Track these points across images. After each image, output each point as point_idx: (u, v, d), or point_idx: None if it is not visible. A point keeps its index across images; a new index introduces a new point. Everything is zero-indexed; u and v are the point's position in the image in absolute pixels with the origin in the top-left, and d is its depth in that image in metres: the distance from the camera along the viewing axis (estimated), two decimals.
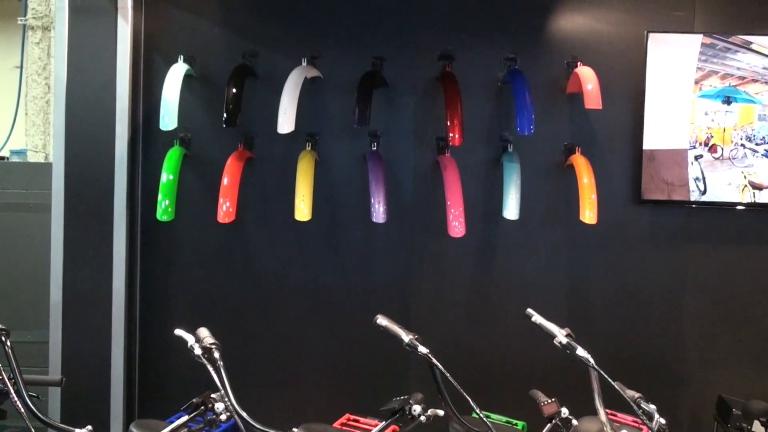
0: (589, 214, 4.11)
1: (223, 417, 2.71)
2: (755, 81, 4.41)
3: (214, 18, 4.51)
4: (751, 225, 4.52)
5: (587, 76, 4.13)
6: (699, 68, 4.40)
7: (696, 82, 4.41)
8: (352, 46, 4.48)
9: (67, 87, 4.32)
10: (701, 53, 4.39)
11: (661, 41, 4.39)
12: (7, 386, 2.90)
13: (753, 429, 4.04)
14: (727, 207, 4.47)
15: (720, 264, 4.53)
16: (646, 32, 4.39)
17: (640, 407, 2.89)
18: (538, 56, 4.46)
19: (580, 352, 2.92)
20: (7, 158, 5.62)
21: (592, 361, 2.90)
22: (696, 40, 4.40)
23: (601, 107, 4.06)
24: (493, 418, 3.45)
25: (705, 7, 4.48)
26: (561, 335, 3.00)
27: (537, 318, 3.15)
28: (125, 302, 4.38)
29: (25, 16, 6.04)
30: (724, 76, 4.41)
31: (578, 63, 4.30)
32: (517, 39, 4.47)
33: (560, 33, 4.50)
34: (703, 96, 4.41)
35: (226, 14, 4.52)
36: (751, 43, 4.40)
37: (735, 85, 4.41)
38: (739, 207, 4.46)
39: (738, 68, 4.40)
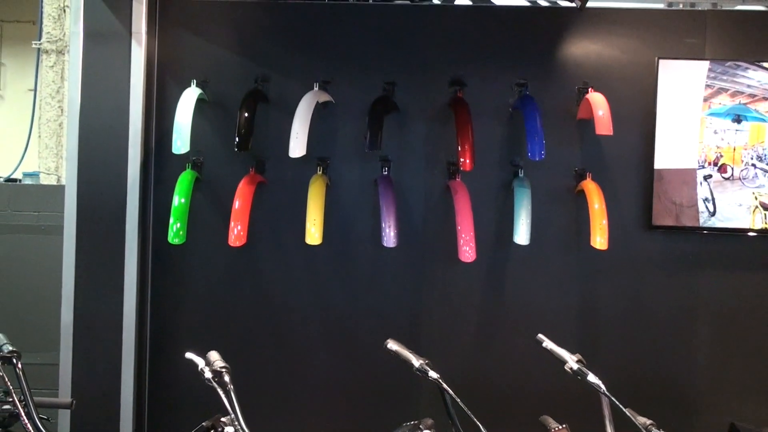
0: (600, 240, 4.11)
1: None
2: (766, 99, 4.39)
3: (226, 43, 4.54)
4: (764, 250, 4.49)
5: (598, 102, 4.14)
6: (708, 85, 4.38)
7: (705, 100, 4.39)
8: (363, 72, 4.51)
9: (80, 110, 4.36)
10: (710, 70, 4.37)
11: (672, 63, 4.40)
12: (17, 408, 2.92)
13: None
14: (738, 233, 4.44)
15: (732, 290, 4.50)
16: (657, 59, 4.39)
17: None
18: (548, 82, 4.47)
19: (591, 378, 2.91)
20: (20, 180, 5.67)
21: (603, 387, 2.89)
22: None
23: (611, 133, 4.07)
24: None
25: (716, 33, 4.50)
26: (572, 361, 3.00)
27: (548, 343, 3.15)
28: (136, 325, 4.38)
29: (39, 39, 6.11)
30: (734, 94, 4.39)
31: (589, 89, 4.32)
32: (527, 65, 4.49)
33: (571, 59, 4.52)
34: (712, 114, 4.39)
35: (238, 39, 4.56)
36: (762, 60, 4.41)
37: (745, 103, 4.39)
38: (750, 233, 4.43)
39: (748, 86, 4.39)
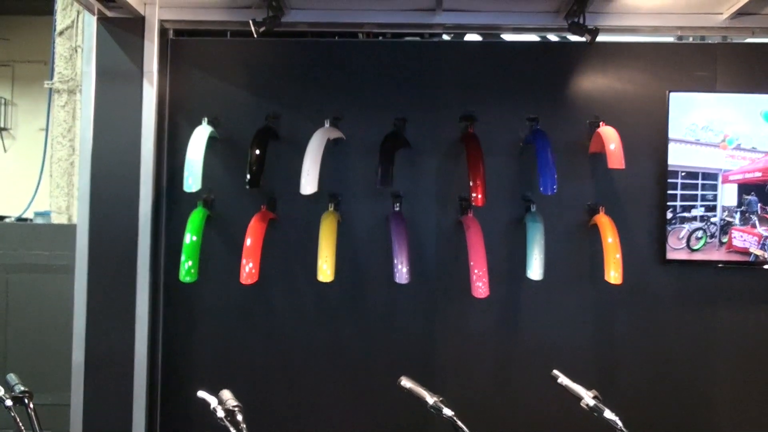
0: (614, 274, 4.11)
1: None
2: None
3: (237, 81, 4.60)
4: None
5: (610, 136, 4.17)
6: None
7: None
8: (374, 108, 4.55)
9: (92, 149, 4.40)
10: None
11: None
12: None
13: None
14: (755, 266, 4.44)
15: (749, 324, 4.49)
16: (667, 92, 4.42)
17: None
18: (559, 116, 4.50)
19: (608, 414, 2.89)
20: (31, 220, 5.70)
21: (620, 423, 2.86)
22: None
23: (624, 167, 4.09)
24: None
25: (726, 66, 4.52)
26: (588, 397, 2.98)
27: (563, 379, 3.14)
28: (147, 364, 4.37)
29: (51, 79, 6.18)
30: None
31: (600, 123, 4.34)
32: (538, 99, 4.53)
33: (582, 93, 4.55)
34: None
35: (249, 77, 4.61)
36: None
37: None
38: (766, 266, 4.43)
39: None
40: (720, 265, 4.44)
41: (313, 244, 4.18)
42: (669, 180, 4.42)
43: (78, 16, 6.00)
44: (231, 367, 4.52)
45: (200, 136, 4.26)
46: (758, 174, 4.44)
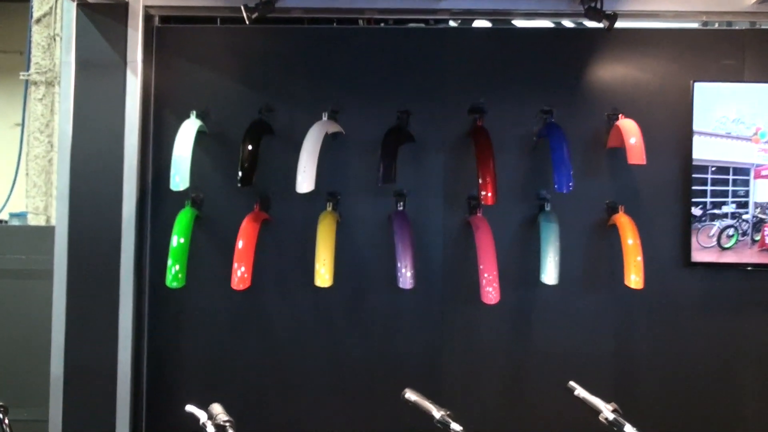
0: (634, 278, 4.11)
1: None
2: None
3: (228, 71, 4.59)
4: None
5: (630, 129, 4.16)
6: None
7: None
8: (376, 100, 4.55)
9: (72, 145, 4.40)
10: None
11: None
12: None
13: None
14: None
15: None
16: (692, 82, 4.42)
17: None
18: (576, 108, 4.50)
19: (629, 429, 2.89)
20: (6, 222, 5.68)
21: None
22: None
23: (645, 162, 4.08)
24: None
25: (755, 53, 4.52)
26: (607, 411, 2.98)
27: (580, 392, 3.14)
28: (131, 377, 4.37)
29: (27, 70, 6.16)
30: None
31: (620, 115, 4.33)
32: (553, 90, 4.52)
33: (599, 83, 4.55)
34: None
35: (241, 67, 4.61)
36: None
37: None
38: None
39: None
40: (750, 268, 4.43)
41: (310, 247, 4.18)
42: (698, 175, 4.42)
43: (56, 2, 5.98)
44: (222, 380, 4.51)
45: (188, 130, 4.25)
46: None
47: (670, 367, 4.49)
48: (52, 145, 6.08)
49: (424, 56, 4.59)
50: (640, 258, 4.11)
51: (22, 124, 6.32)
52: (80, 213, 4.38)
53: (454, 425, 2.90)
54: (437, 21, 5.04)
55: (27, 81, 6.14)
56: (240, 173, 4.14)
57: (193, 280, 4.35)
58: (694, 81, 4.42)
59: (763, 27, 4.78)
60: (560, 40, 4.71)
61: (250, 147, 4.18)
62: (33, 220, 5.83)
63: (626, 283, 4.13)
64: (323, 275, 4.06)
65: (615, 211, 4.38)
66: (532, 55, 4.58)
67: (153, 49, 4.55)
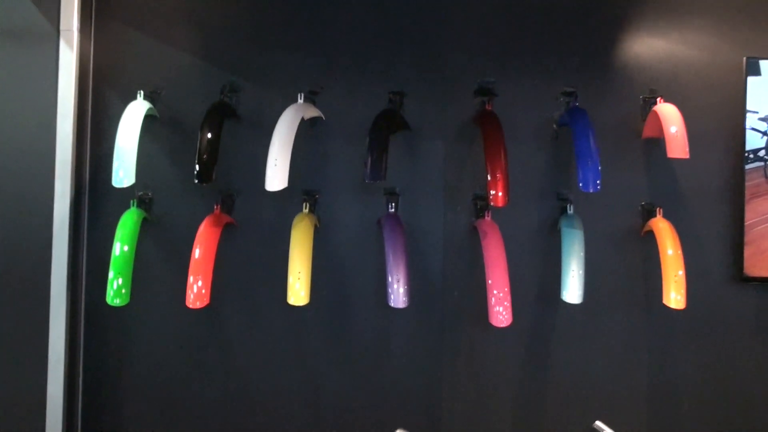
0: (675, 296, 4.03)
1: None
2: None
3: (184, 43, 4.53)
4: None
5: (670, 116, 4.08)
6: None
7: None
8: (363, 79, 4.50)
9: None
10: None
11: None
12: None
13: None
14: None
15: None
16: (745, 59, 4.41)
17: None
18: (605, 90, 4.47)
19: None
20: None
21: None
22: None
23: (687, 156, 3.99)
24: None
25: None
26: None
27: None
28: (63, 410, 4.32)
29: None
30: None
31: (658, 99, 4.29)
32: (577, 68, 4.49)
33: (633, 60, 4.51)
34: None
35: (200, 38, 4.55)
36: None
37: None
38: None
39: None
40: None
41: (283, 256, 4.10)
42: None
43: None
44: (173, 418, 4.47)
45: (134, 115, 4.16)
46: None
47: (719, 399, 4.47)
48: None
49: (423, 27, 4.53)
50: (681, 272, 4.05)
51: None
52: (1, 215, 4.34)
53: None
54: None
55: None
56: (197, 167, 4.03)
57: (140, 297, 4.32)
58: (748, 58, 4.40)
59: None
60: (587, 8, 4.62)
61: (209, 135, 4.08)
62: None
63: (665, 302, 4.05)
64: (298, 291, 3.98)
65: (652, 215, 4.35)
66: (552, 26, 4.53)
67: (92, 16, 4.49)
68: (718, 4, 4.55)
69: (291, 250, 4.06)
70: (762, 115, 4.37)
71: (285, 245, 4.10)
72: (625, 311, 4.45)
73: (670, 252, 4.08)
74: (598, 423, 3.10)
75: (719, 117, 4.45)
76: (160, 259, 4.45)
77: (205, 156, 4.04)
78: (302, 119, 4.16)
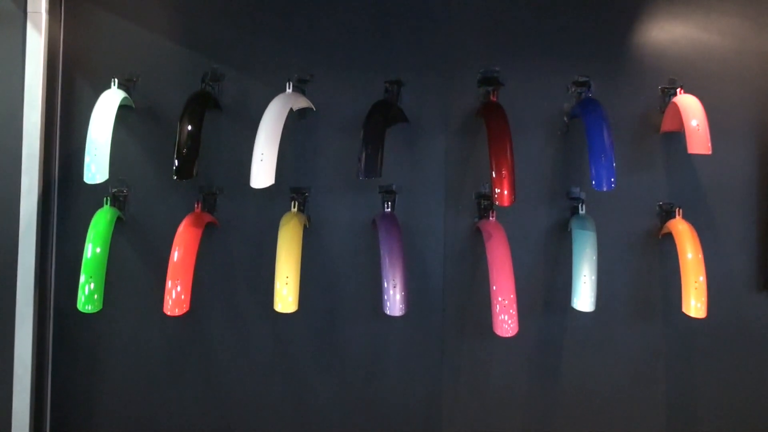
0: (695, 304, 3.96)
1: None
2: None
3: (162, 26, 4.46)
4: None
5: (691, 108, 4.00)
6: None
7: None
8: (356, 66, 4.43)
9: None
10: None
11: None
12: None
13: None
14: None
15: None
16: None
17: None
18: (620, 80, 4.40)
19: None
20: None
21: None
22: None
23: (710, 152, 3.92)
24: None
25: None
26: None
27: None
28: (30, 428, 4.25)
29: None
30: None
31: (678, 89, 4.23)
32: (589, 56, 4.43)
33: (652, 47, 4.44)
34: None
35: (179, 21, 4.48)
36: None
37: None
38: None
39: None
40: None
41: (269, 260, 4.03)
42: None
43: None
44: None
45: (108, 105, 4.08)
46: None
47: (741, 420, 4.42)
48: None
49: (422, 11, 4.46)
50: (702, 278, 3.98)
51: None
52: None
53: None
54: None
55: None
56: (176, 162, 3.95)
57: (113, 303, 4.27)
58: None
59: None
60: None
61: (190, 127, 4.01)
62: None
63: (684, 310, 3.98)
64: (285, 297, 3.91)
65: (671, 216, 4.29)
66: (563, 7, 4.46)
67: None
68: None
69: (278, 253, 3.99)
70: None
71: (272, 247, 4.03)
72: (641, 320, 4.40)
73: (690, 256, 4.01)
74: None
75: (745, 110, 4.39)
76: (135, 262, 4.39)
77: (184, 150, 3.96)
78: (291, 110, 4.11)
